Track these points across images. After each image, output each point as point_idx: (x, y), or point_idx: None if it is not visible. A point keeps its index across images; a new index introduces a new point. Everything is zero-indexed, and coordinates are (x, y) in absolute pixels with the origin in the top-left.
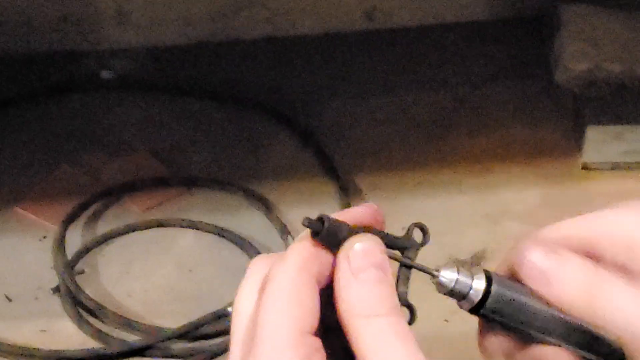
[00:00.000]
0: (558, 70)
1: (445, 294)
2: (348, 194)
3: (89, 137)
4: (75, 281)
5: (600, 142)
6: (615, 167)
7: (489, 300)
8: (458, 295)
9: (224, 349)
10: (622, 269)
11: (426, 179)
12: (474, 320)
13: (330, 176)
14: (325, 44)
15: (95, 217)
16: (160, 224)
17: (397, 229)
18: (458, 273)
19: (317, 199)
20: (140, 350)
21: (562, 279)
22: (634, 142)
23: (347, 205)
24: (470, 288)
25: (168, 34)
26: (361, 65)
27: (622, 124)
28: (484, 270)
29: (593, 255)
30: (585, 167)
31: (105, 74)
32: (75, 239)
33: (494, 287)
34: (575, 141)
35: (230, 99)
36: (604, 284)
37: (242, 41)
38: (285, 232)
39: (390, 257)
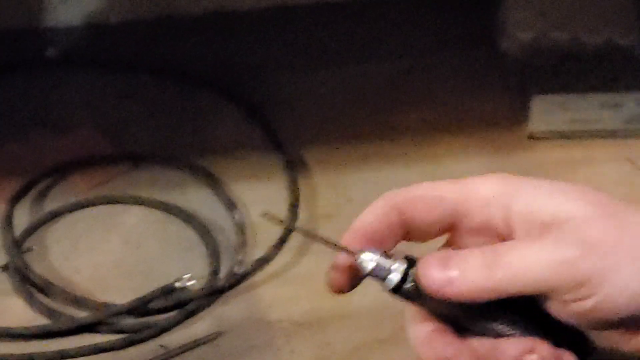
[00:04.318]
0: (503, 38)
1: (367, 276)
2: (294, 168)
3: (33, 116)
4: (23, 259)
5: (546, 111)
6: (561, 135)
7: (408, 280)
8: (378, 277)
9: (173, 324)
10: (483, 226)
11: (373, 152)
12: None
13: (276, 150)
14: (271, 18)
15: (42, 195)
16: (107, 201)
17: (342, 202)
18: (379, 256)
19: (263, 173)
20: (89, 326)
21: (462, 278)
22: (580, 111)
23: (293, 180)
24: (390, 271)
25: (112, 10)
26: (307, 39)
27: (567, 93)
28: (406, 255)
29: (460, 213)
30: (531, 137)
31: (49, 52)
32: (22, 217)
33: (413, 270)
34: (521, 111)
35: (174, 74)
36: (495, 257)
37: (187, 16)
38: (231, 207)
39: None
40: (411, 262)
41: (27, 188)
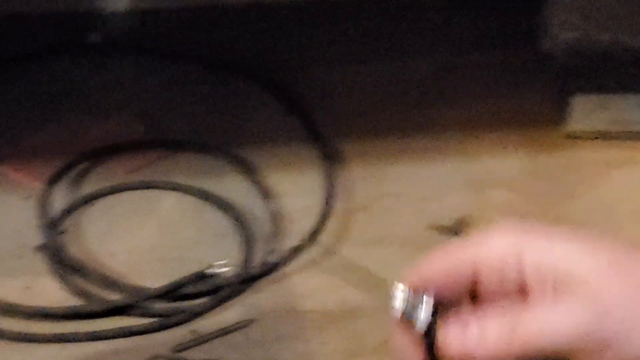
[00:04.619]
0: (546, 39)
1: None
2: (331, 160)
3: (75, 99)
4: (59, 240)
5: (585, 111)
6: (599, 136)
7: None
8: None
9: (204, 310)
10: (500, 283)
11: (409, 146)
12: None
13: (313, 142)
14: (314, 10)
15: (80, 177)
16: (144, 186)
17: (378, 196)
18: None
19: (300, 164)
20: (122, 309)
21: (481, 349)
22: (619, 112)
23: (330, 171)
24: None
25: None
26: (348, 32)
27: (607, 93)
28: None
29: (477, 274)
30: (569, 136)
31: (92, 37)
32: (59, 199)
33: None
34: (560, 110)
35: (216, 63)
36: (512, 326)
37: (230, 6)
38: (267, 196)
39: None
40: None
41: (66, 170)
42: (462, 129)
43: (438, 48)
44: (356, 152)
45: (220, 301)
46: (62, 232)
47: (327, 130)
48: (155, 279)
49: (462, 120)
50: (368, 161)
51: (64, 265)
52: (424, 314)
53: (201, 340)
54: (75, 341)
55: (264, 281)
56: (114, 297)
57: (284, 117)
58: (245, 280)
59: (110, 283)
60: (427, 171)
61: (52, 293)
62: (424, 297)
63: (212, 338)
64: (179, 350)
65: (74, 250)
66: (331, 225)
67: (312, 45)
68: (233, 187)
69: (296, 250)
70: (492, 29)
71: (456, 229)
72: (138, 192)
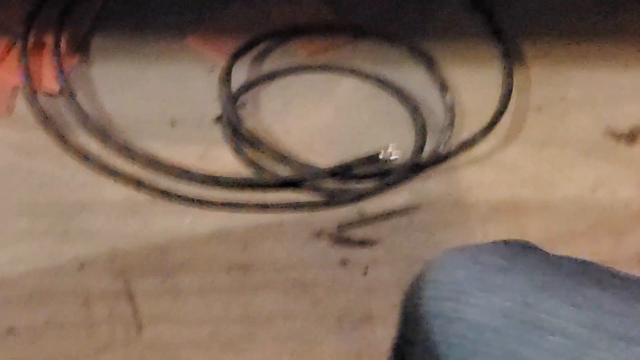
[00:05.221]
0: None
1: None
2: (511, 58)
3: None
4: (237, 113)
5: None
6: None
7: None
8: None
9: (372, 192)
10: None
11: (592, 52)
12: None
13: (495, 40)
14: None
15: (262, 55)
16: (324, 68)
17: (555, 98)
18: None
19: (479, 60)
20: (292, 184)
21: None
22: None
23: (509, 69)
24: None
25: None
26: None
27: None
28: None
29: None
30: None
31: None
32: (240, 74)
33: None
34: None
35: None
36: None
37: None
38: (444, 89)
39: None
40: None
41: (249, 47)
42: None
43: None
44: (537, 53)
45: (388, 185)
46: (241, 106)
47: (509, 28)
48: (326, 158)
49: None
50: (547, 63)
51: (240, 137)
52: None
53: (366, 220)
54: (245, 210)
55: (433, 171)
56: (285, 172)
57: (468, 13)
58: (415, 168)
59: (282, 158)
60: (607, 78)
61: (226, 163)
62: None
63: (377, 220)
64: (344, 228)
65: (250, 124)
66: (504, 122)
67: None
68: (411, 77)
69: (467, 144)
70: None
71: (632, 137)
72: (318, 74)
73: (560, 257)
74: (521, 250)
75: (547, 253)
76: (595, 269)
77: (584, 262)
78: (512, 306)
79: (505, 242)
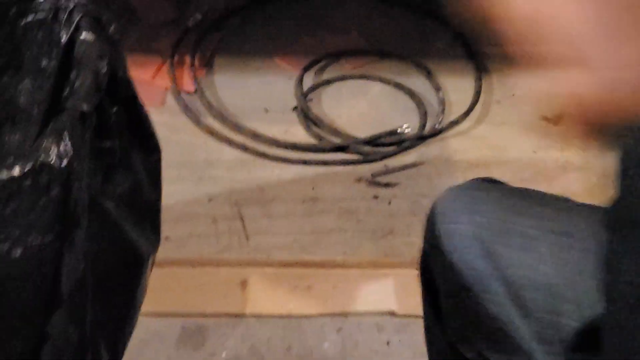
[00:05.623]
0: None
1: None
2: (480, 71)
3: (320, 22)
4: (307, 104)
5: None
6: None
7: None
8: None
9: (393, 153)
10: None
11: (533, 61)
12: (551, 153)
13: (470, 59)
14: None
15: (322, 69)
16: (360, 77)
17: (508, 95)
18: None
19: (460, 71)
20: (341, 148)
21: None
22: None
23: (478, 78)
24: None
25: None
26: None
27: None
28: None
29: None
30: None
31: None
32: (309, 80)
33: None
34: None
35: (417, 7)
36: None
37: None
38: (438, 89)
39: None
40: None
41: (313, 63)
42: None
43: None
44: (497, 66)
45: (403, 149)
46: (309, 100)
47: (480, 51)
48: (363, 132)
49: None
50: (503, 73)
51: (308, 119)
52: None
53: (389, 171)
54: (312, 164)
55: (432, 140)
56: (337, 141)
57: (454, 42)
58: (420, 138)
59: (335, 132)
60: (542, 79)
61: (300, 135)
62: None
63: (397, 170)
64: (375, 176)
65: (315, 111)
66: (477, 110)
67: None
68: (417, 82)
69: (453, 124)
70: None
71: (557, 120)
72: (357, 81)
73: (516, 187)
74: (492, 184)
75: (508, 185)
76: (538, 193)
77: (533, 190)
78: (489, 221)
79: (482, 179)
